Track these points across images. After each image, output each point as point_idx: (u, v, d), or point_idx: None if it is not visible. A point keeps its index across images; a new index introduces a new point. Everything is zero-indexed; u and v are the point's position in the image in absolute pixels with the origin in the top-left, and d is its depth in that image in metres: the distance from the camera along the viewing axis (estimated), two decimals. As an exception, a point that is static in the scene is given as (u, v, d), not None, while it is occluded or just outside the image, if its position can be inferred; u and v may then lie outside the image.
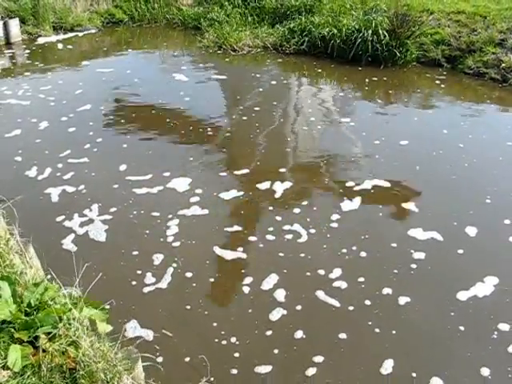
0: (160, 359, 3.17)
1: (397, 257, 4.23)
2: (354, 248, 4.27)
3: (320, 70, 8.78)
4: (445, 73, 8.57)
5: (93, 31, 10.87)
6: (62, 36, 10.45)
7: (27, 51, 9.61)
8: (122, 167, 5.57)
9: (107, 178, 5.38)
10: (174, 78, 8.48)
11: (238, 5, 10.90)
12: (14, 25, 9.99)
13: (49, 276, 3.08)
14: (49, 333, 2.32)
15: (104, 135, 6.38)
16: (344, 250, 4.25)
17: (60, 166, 5.59)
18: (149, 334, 3.42)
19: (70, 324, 2.35)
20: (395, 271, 4.03)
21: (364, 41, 8.80)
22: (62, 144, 6.07)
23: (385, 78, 8.40)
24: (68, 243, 4.34)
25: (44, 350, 2.25)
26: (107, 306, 2.57)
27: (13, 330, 2.33)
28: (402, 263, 4.13)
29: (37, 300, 2.48)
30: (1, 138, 6.26)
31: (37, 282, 2.62)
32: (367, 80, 8.32)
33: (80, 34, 10.65)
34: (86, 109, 7.14)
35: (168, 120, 6.80)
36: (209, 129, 6.56)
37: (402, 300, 3.74)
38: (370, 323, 3.53)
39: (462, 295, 3.79)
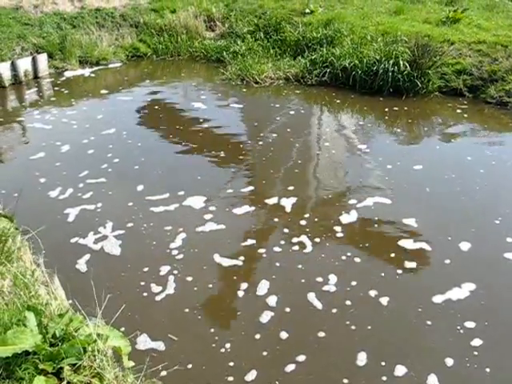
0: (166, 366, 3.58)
1: (386, 264, 4.81)
2: (349, 254, 4.91)
3: (339, 101, 9.35)
4: (466, 102, 9.05)
5: (117, 65, 11.79)
6: (87, 70, 11.36)
7: (54, 84, 10.54)
8: (140, 187, 6.22)
9: (125, 196, 6.03)
10: (194, 106, 9.24)
11: (260, 38, 11.72)
12: (43, 60, 10.93)
13: (70, 300, 3.59)
14: (73, 364, 2.46)
15: (121, 157, 7.08)
16: (343, 258, 4.87)
17: (81, 185, 6.27)
18: (159, 345, 3.87)
19: (94, 356, 2.50)
20: (382, 274, 4.65)
21: (385, 71, 9.34)
22: (81, 165, 6.79)
23: (405, 108, 8.88)
24: (84, 263, 4.84)
25: (69, 382, 2.37)
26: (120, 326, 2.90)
27: (38, 361, 2.45)
28: (390, 269, 4.71)
29: (62, 331, 2.62)
30: (26, 160, 7.04)
31: (61, 313, 2.78)
32: (387, 110, 8.82)
33: (105, 68, 11.56)
34: (107, 132, 7.95)
35: (183, 143, 7.52)
36: (222, 152, 7.22)
37: (382, 300, 4.31)
38: (347, 322, 4.09)
39: (437, 298, 4.34)
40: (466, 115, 8.57)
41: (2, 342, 2.47)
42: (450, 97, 9.27)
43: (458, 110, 8.73)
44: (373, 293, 4.39)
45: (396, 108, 8.86)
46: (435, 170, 6.63)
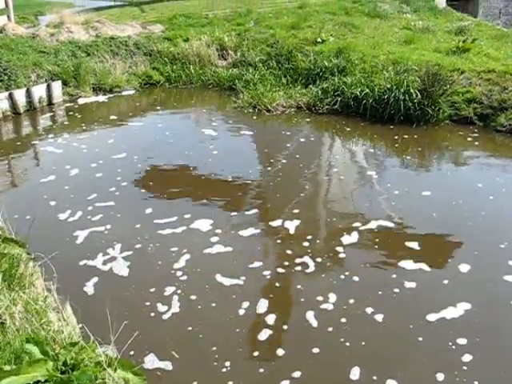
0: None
1: (385, 283, 5.01)
2: (348, 273, 5.14)
3: (350, 129, 9.60)
4: (477, 130, 9.26)
5: (131, 92, 12.19)
6: (101, 97, 11.78)
7: (67, 110, 10.96)
8: (148, 210, 6.47)
9: (133, 219, 6.28)
10: (205, 132, 9.54)
11: (271, 66, 12.08)
12: (57, 87, 11.37)
13: (80, 325, 3.70)
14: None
15: (130, 180, 7.37)
16: (342, 277, 5.10)
17: (90, 208, 6.53)
18: (167, 365, 4.06)
19: (105, 383, 2.55)
20: (380, 293, 4.86)
21: (396, 100, 9.57)
22: (90, 188, 7.09)
23: (416, 136, 9.09)
24: (93, 284, 5.06)
25: (79, 409, 2.40)
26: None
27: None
28: (388, 288, 4.91)
29: (72, 359, 2.65)
30: (38, 183, 7.36)
31: (73, 342, 2.82)
32: (398, 138, 9.05)
33: (118, 95, 11.97)
34: (118, 157, 8.28)
35: (192, 168, 7.82)
36: (230, 177, 7.49)
37: (377, 317, 4.51)
38: (342, 339, 4.29)
39: (432, 316, 4.54)
40: (476, 143, 8.76)
41: (16, 371, 2.50)
42: (461, 125, 9.48)
43: (469, 138, 8.94)
44: (369, 310, 4.59)
45: (406, 136, 9.06)
46: (444, 196, 6.80)
